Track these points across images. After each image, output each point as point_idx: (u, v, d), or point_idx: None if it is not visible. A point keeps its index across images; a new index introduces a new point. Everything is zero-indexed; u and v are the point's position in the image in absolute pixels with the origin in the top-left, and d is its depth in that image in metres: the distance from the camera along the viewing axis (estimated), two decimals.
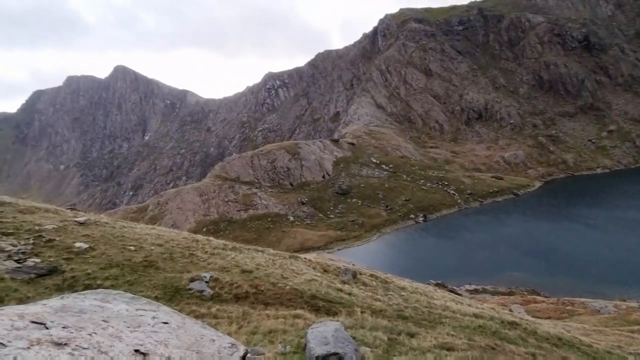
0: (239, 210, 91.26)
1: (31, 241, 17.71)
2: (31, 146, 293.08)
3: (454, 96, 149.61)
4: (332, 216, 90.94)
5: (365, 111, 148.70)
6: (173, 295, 15.31)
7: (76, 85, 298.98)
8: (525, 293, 50.40)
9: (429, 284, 40.36)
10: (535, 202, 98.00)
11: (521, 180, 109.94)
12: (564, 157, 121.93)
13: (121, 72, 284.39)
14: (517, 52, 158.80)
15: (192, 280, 16.60)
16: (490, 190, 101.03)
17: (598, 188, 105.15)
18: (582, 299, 42.94)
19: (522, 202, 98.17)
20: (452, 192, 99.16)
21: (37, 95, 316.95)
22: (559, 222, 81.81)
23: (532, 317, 29.92)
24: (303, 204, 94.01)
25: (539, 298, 45.85)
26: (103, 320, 3.72)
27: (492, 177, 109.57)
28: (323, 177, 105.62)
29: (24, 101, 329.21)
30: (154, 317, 4.06)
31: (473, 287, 52.29)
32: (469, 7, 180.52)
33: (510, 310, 30.18)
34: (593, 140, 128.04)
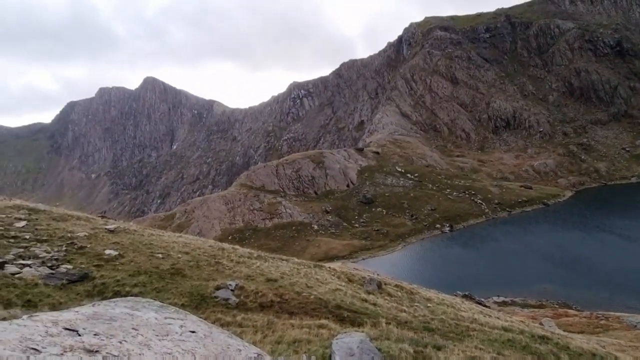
0: (263, 219, 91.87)
1: (64, 248, 18.24)
2: (65, 155, 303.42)
3: (480, 104, 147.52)
4: (356, 225, 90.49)
5: (390, 120, 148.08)
6: (199, 303, 15.47)
7: (108, 97, 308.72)
8: (557, 306, 48.78)
9: (455, 295, 39.62)
10: (566, 212, 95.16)
11: (551, 190, 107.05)
12: (597, 166, 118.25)
13: (150, 83, 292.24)
14: (546, 59, 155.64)
15: (217, 288, 16.75)
16: (519, 200, 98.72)
17: (633, 198, 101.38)
18: (617, 313, 41.31)
19: (552, 212, 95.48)
20: (480, 201, 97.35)
21: (71, 106, 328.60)
22: (592, 233, 79.17)
23: (564, 331, 28.95)
24: (327, 212, 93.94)
25: (570, 311, 44.33)
26: (133, 328, 3.79)
27: (521, 186, 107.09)
28: (347, 186, 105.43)
29: (58, 112, 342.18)
30: (181, 326, 4.11)
31: (501, 299, 51.01)
32: (495, 14, 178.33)
33: (541, 324, 29.28)
34: (627, 149, 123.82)
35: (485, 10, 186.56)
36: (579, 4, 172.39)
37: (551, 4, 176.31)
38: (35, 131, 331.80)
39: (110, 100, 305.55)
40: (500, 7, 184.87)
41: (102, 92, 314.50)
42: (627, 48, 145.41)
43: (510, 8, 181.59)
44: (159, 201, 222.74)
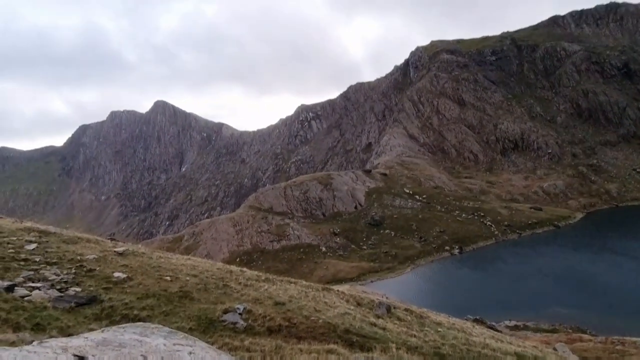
0: (271, 241, 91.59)
1: (73, 271, 18.28)
2: (75, 178, 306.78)
3: (488, 126, 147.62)
4: (364, 247, 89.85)
5: (398, 142, 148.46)
6: (207, 326, 15.35)
7: (119, 120, 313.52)
8: (570, 330, 47.64)
9: (466, 319, 38.94)
10: (578, 234, 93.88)
11: (562, 212, 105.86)
12: (607, 187, 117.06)
13: (161, 107, 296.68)
14: (553, 81, 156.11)
15: (225, 311, 16.63)
16: (529, 222, 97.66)
17: None
18: (634, 339, 40.19)
19: (563, 234, 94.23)
20: (489, 223, 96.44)
21: (83, 130, 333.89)
22: (604, 255, 77.84)
23: (579, 357, 28.24)
24: (335, 234, 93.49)
25: (585, 336, 43.24)
26: (141, 355, 3.78)
27: (531, 208, 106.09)
28: (355, 207, 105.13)
29: (70, 135, 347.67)
30: (190, 353, 4.10)
31: (513, 323, 49.96)
32: (501, 37, 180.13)
33: (555, 349, 28.60)
34: (638, 170, 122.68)
35: (491, 34, 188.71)
36: (585, 27, 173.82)
37: (557, 27, 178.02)
38: (47, 154, 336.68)
39: (121, 124, 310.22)
40: (505, 30, 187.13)
41: (114, 115, 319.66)
42: (634, 70, 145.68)
43: (515, 31, 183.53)
44: (167, 223, 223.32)
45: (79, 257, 20.13)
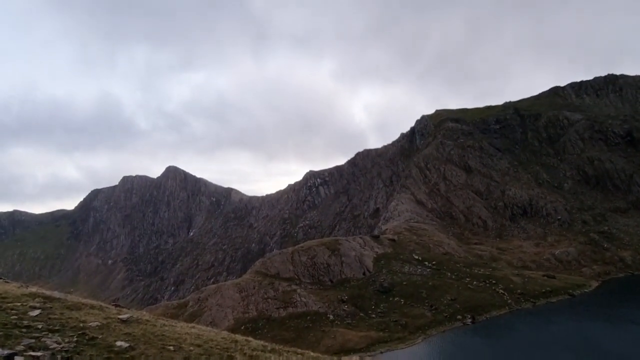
0: (278, 308, 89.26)
1: (75, 339, 17.96)
2: (84, 241, 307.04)
3: (495, 192, 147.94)
4: (373, 315, 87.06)
5: (406, 207, 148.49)
6: None
7: (130, 185, 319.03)
8: None
9: None
10: (594, 304, 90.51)
11: (576, 280, 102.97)
12: (621, 255, 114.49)
13: (172, 172, 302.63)
14: (557, 149, 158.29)
15: None
16: (543, 290, 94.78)
17: None
18: None
19: (580, 303, 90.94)
20: (501, 291, 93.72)
21: (95, 194, 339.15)
22: (624, 325, 74.55)
23: None
24: (343, 302, 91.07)
25: None
26: None
27: (544, 275, 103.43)
28: (363, 274, 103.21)
29: (81, 199, 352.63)
30: None
31: None
32: (504, 107, 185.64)
33: None
34: None
35: (493, 104, 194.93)
36: (585, 97, 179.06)
37: (558, 97, 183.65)
38: (58, 217, 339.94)
39: (133, 188, 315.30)
40: (507, 100, 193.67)
41: (125, 180, 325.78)
42: (638, 138, 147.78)
43: (518, 101, 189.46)
44: (172, 288, 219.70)
45: (81, 324, 19.83)
